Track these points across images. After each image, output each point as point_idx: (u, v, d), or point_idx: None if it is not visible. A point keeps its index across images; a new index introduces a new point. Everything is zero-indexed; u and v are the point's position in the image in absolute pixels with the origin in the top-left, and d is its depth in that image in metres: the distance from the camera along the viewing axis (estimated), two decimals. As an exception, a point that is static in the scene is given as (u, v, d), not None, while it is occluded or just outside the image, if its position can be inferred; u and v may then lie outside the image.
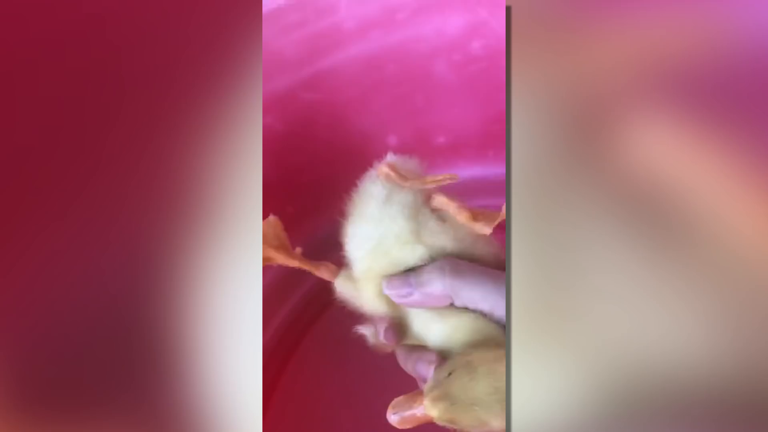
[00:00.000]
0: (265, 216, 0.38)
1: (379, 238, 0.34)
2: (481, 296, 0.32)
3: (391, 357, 0.36)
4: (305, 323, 0.52)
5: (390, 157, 0.35)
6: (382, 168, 0.34)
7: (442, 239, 0.34)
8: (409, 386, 0.33)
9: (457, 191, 0.48)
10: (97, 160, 0.25)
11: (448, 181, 0.33)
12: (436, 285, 0.33)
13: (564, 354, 0.25)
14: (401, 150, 0.51)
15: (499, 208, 0.32)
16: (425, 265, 0.34)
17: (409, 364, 0.34)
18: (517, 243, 0.26)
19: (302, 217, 0.49)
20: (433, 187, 0.34)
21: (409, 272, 0.34)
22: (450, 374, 0.30)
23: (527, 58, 0.26)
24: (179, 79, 0.26)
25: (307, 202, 0.49)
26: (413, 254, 0.34)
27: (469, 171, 0.54)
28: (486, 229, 0.33)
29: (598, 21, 0.26)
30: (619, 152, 0.26)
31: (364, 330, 0.37)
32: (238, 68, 0.26)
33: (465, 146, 0.54)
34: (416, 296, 0.33)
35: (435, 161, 0.53)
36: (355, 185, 0.36)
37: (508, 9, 0.27)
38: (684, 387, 0.25)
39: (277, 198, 0.49)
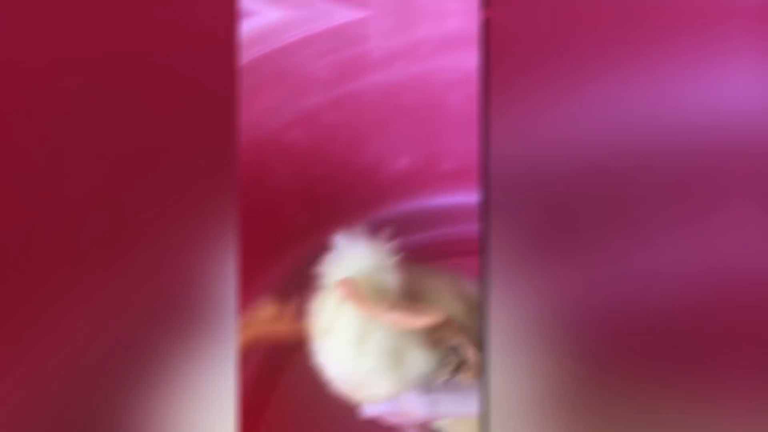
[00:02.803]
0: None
1: (351, 372, 0.31)
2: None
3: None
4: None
5: (346, 245, 0.31)
6: (339, 288, 0.28)
7: (424, 367, 0.30)
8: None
9: (457, 218, 0.52)
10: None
11: (431, 322, 0.28)
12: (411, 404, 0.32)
13: None
14: (410, 170, 0.55)
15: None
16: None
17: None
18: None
19: (314, 227, 0.53)
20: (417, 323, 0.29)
21: None
22: None
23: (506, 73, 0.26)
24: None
25: (323, 212, 0.53)
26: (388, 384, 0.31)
27: (471, 197, 0.58)
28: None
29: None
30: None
31: None
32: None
33: (469, 173, 0.58)
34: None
35: (441, 186, 0.57)
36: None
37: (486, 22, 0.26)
38: None
39: (295, 207, 0.52)
